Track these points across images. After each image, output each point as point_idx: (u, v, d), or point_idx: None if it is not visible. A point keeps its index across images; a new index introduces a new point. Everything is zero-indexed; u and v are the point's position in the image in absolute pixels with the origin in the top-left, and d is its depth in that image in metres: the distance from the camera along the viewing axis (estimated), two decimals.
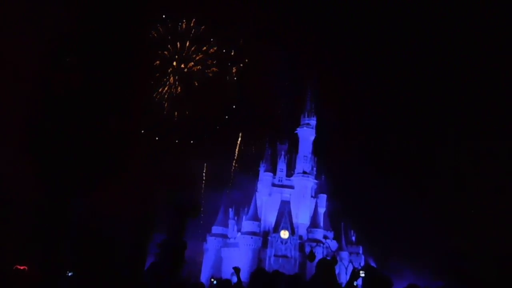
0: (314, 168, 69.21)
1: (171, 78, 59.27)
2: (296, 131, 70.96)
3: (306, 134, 69.97)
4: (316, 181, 68.67)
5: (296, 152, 70.07)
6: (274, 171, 68.33)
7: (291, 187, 67.30)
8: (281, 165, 68.56)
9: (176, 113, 59.52)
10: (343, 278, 52.29)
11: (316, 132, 70.43)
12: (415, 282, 7.05)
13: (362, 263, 61.37)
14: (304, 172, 67.66)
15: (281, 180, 67.95)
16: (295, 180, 67.66)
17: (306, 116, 70.93)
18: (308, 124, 70.36)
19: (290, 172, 68.92)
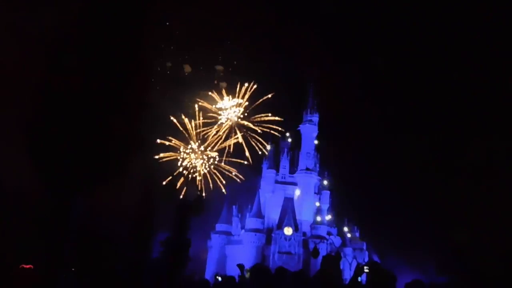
0: (317, 165, 69.24)
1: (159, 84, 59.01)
2: (298, 128, 70.95)
3: (309, 131, 69.95)
4: (319, 177, 68.70)
5: (299, 149, 70.06)
6: (277, 168, 68.36)
7: (294, 184, 67.36)
8: (284, 162, 68.61)
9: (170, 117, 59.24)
10: (347, 274, 52.32)
11: (319, 129, 70.43)
12: (419, 278, 7.06)
13: (366, 259, 61.45)
14: (307, 169, 67.68)
15: (284, 177, 68.00)
16: (298, 177, 67.69)
17: (308, 112, 70.89)
18: (310, 120, 70.32)
19: (293, 169, 68.94)
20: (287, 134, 68.76)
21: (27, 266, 5.32)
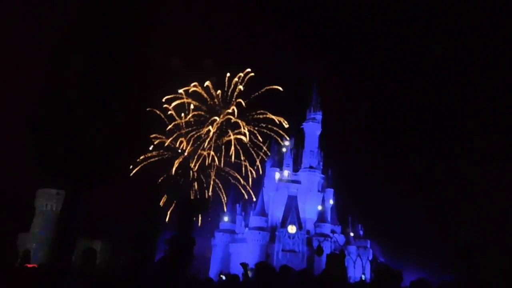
0: (321, 163, 69.11)
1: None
2: (302, 126, 70.82)
3: (312, 129, 69.83)
4: (323, 175, 68.56)
5: (302, 147, 69.98)
6: (280, 166, 68.29)
7: (298, 182, 67.24)
8: (288, 160, 68.51)
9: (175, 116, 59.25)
10: (351, 272, 52.25)
11: (322, 127, 70.28)
12: (424, 276, 7.00)
13: (370, 257, 61.32)
14: (311, 167, 67.59)
15: (288, 175, 67.92)
16: (302, 175, 67.59)
17: (311, 110, 70.77)
18: (314, 118, 70.21)
19: (296, 167, 68.84)
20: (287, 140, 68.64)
21: (31, 266, 5.30)
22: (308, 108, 71.22)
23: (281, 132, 64.06)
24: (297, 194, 65.69)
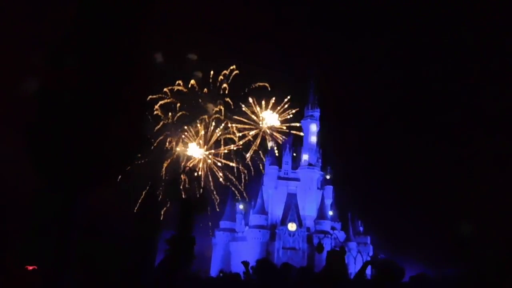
0: (320, 160, 69.16)
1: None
2: (300, 123, 70.79)
3: (310, 126, 69.84)
4: (321, 172, 68.61)
5: (301, 144, 69.97)
6: (279, 164, 68.29)
7: (297, 179, 67.30)
8: (286, 158, 68.53)
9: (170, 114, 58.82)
10: (352, 269, 52.33)
11: (320, 124, 70.35)
12: (424, 271, 7.02)
13: (371, 253, 61.43)
14: (310, 164, 67.62)
15: (287, 173, 67.94)
16: (301, 172, 67.64)
17: (309, 108, 70.82)
18: (312, 116, 70.23)
19: (295, 164, 68.86)
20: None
21: (31, 267, 5.28)
22: (305, 106, 71.25)
23: (273, 132, 63.71)
24: (296, 191, 65.75)
